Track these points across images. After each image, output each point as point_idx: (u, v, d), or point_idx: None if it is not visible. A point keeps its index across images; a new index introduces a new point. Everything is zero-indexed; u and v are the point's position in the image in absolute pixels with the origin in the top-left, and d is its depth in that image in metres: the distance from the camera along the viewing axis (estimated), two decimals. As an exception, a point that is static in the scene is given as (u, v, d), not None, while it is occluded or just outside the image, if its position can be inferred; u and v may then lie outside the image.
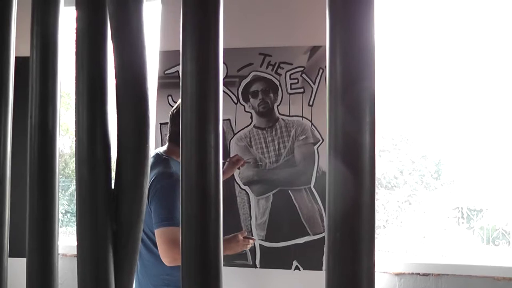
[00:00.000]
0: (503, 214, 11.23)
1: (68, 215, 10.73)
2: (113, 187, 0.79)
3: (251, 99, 3.74)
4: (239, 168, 3.63)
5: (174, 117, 2.80)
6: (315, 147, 3.66)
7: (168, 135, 2.84)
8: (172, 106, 3.67)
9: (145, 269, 2.71)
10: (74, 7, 0.77)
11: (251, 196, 3.71)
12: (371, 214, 0.61)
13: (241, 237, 2.84)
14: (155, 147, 3.52)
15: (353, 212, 0.59)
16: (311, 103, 3.66)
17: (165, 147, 2.81)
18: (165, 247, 2.52)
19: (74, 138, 0.78)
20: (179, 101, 2.89)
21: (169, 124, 2.84)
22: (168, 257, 2.54)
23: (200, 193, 0.67)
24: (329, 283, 0.61)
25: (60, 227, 9.96)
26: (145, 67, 0.77)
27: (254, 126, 3.73)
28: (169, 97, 3.74)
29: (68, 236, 6.17)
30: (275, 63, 3.72)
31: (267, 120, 3.73)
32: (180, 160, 2.32)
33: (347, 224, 0.59)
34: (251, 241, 2.91)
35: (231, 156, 3.68)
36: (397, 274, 3.73)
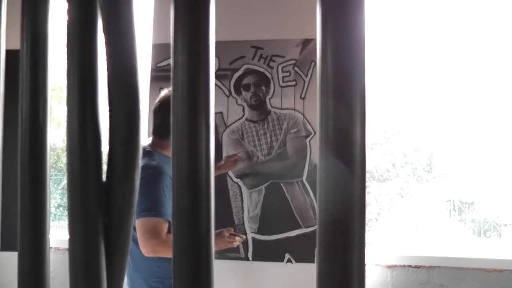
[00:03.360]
0: (495, 207, 11.34)
1: (61, 208, 10.73)
2: (104, 179, 0.79)
3: (243, 92, 3.74)
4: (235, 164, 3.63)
5: (157, 110, 2.81)
6: (307, 140, 3.66)
7: (152, 128, 2.83)
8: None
9: (134, 263, 2.71)
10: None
11: (243, 189, 3.72)
12: (362, 206, 0.61)
13: (227, 234, 2.83)
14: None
15: (343, 204, 0.59)
16: (303, 96, 3.66)
17: (149, 140, 2.82)
18: (144, 237, 2.53)
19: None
20: (162, 93, 2.89)
21: (152, 117, 2.83)
22: (146, 247, 2.55)
23: (191, 185, 0.67)
24: (320, 275, 0.61)
25: (53, 221, 9.97)
26: (136, 59, 0.76)
27: (246, 119, 3.73)
28: (161, 90, 3.74)
29: (60, 230, 6.17)
30: (267, 56, 3.71)
31: (259, 113, 3.73)
32: (164, 153, 2.30)
33: (338, 216, 0.59)
34: (237, 238, 2.88)
35: (224, 149, 3.68)
36: (389, 267, 3.75)
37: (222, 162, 3.50)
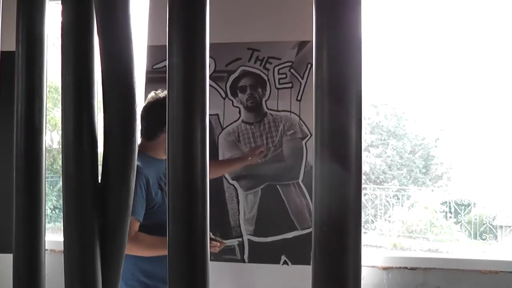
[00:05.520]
0: (491, 209, 11.35)
1: (57, 210, 10.68)
2: (99, 181, 0.78)
3: (239, 94, 3.74)
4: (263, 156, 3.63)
5: (144, 112, 2.80)
6: (303, 142, 3.66)
7: (140, 130, 2.83)
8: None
9: None
10: (59, 1, 0.76)
11: (239, 191, 3.71)
12: (358, 208, 0.61)
13: None
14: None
15: (339, 206, 0.59)
16: (299, 98, 3.66)
17: (139, 142, 2.81)
18: None
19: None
20: (149, 95, 2.88)
21: (140, 119, 2.82)
22: None
23: (186, 187, 0.67)
24: (315, 276, 0.61)
25: (49, 223, 9.93)
26: (132, 61, 0.76)
27: (242, 121, 3.73)
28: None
29: (56, 232, 6.15)
30: (263, 58, 3.71)
31: (255, 115, 3.73)
32: (151, 154, 2.29)
33: (334, 217, 0.59)
34: (214, 243, 2.83)
35: (220, 151, 3.68)
36: (385, 268, 3.75)
37: (250, 158, 3.52)
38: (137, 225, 2.60)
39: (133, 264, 2.68)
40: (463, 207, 11.84)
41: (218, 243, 2.85)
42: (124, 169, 0.77)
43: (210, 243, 2.84)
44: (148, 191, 2.63)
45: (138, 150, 2.75)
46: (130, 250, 2.60)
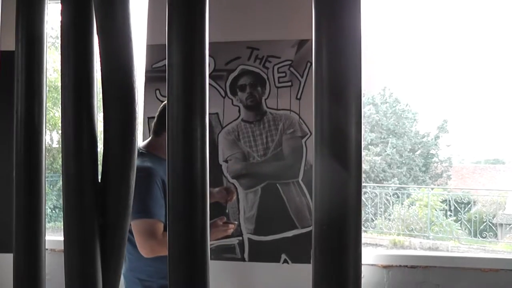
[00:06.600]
0: (491, 207, 11.35)
1: (57, 210, 10.67)
2: (99, 180, 0.78)
3: (239, 93, 3.74)
4: (226, 203, 3.60)
5: (161, 113, 2.80)
6: (303, 140, 3.66)
7: (156, 128, 2.82)
8: (160, 100, 3.66)
9: (129, 262, 2.71)
10: (59, 1, 0.76)
11: (240, 189, 3.71)
12: (358, 206, 0.61)
13: (221, 223, 2.83)
14: (143, 141, 3.50)
15: (339, 205, 0.59)
16: (298, 96, 3.66)
17: (145, 141, 2.80)
18: (141, 239, 2.53)
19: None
20: None
21: (155, 120, 2.82)
22: (145, 248, 2.56)
23: (186, 186, 0.67)
24: (316, 275, 0.61)
25: (49, 222, 9.93)
26: (131, 60, 0.76)
27: (242, 120, 3.73)
28: (157, 91, 3.72)
29: (57, 231, 6.15)
30: (263, 56, 3.71)
31: (255, 113, 3.72)
32: (158, 154, 2.27)
33: (334, 216, 0.59)
34: (231, 225, 2.88)
35: (220, 149, 3.68)
36: (385, 267, 3.75)
37: (216, 189, 3.46)
38: (162, 226, 2.60)
39: (151, 266, 2.68)
40: (463, 205, 11.87)
41: (232, 225, 2.88)
42: (124, 169, 0.77)
43: (227, 226, 2.87)
44: (165, 191, 2.62)
45: (146, 151, 2.76)
46: (163, 252, 2.59)
